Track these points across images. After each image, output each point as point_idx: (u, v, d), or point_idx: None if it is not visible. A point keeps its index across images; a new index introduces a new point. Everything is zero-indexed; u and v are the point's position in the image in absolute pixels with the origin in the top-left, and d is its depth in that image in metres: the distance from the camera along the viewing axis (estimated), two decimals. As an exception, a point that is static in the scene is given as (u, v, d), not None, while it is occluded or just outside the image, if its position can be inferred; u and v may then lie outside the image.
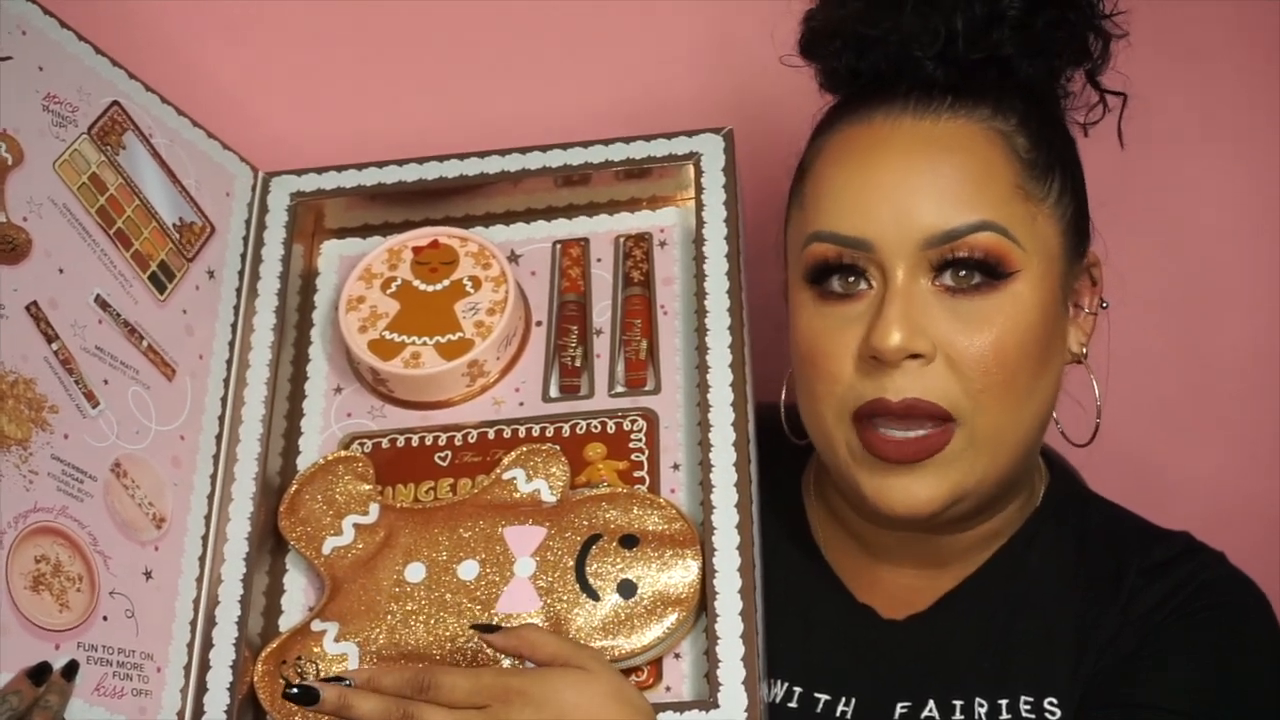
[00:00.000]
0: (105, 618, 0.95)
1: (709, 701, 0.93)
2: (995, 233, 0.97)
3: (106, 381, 1.00)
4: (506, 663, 0.97)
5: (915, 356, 0.97)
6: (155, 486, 1.02)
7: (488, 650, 0.98)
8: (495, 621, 0.98)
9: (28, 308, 0.96)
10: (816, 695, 1.05)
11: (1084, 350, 1.05)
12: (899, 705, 1.04)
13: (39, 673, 0.88)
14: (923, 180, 0.98)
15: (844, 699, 1.04)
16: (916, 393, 0.97)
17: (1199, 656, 1.00)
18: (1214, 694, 0.99)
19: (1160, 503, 1.17)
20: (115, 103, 1.08)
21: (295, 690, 0.90)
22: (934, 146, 0.99)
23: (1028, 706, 1.02)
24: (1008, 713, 1.02)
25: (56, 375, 0.97)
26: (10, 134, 0.99)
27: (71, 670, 0.91)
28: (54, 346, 0.97)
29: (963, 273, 0.97)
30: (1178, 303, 1.40)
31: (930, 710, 1.03)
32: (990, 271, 0.97)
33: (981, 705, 1.02)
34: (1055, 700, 1.01)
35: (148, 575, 0.99)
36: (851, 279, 0.99)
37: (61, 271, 0.99)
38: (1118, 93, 1.05)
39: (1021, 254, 0.98)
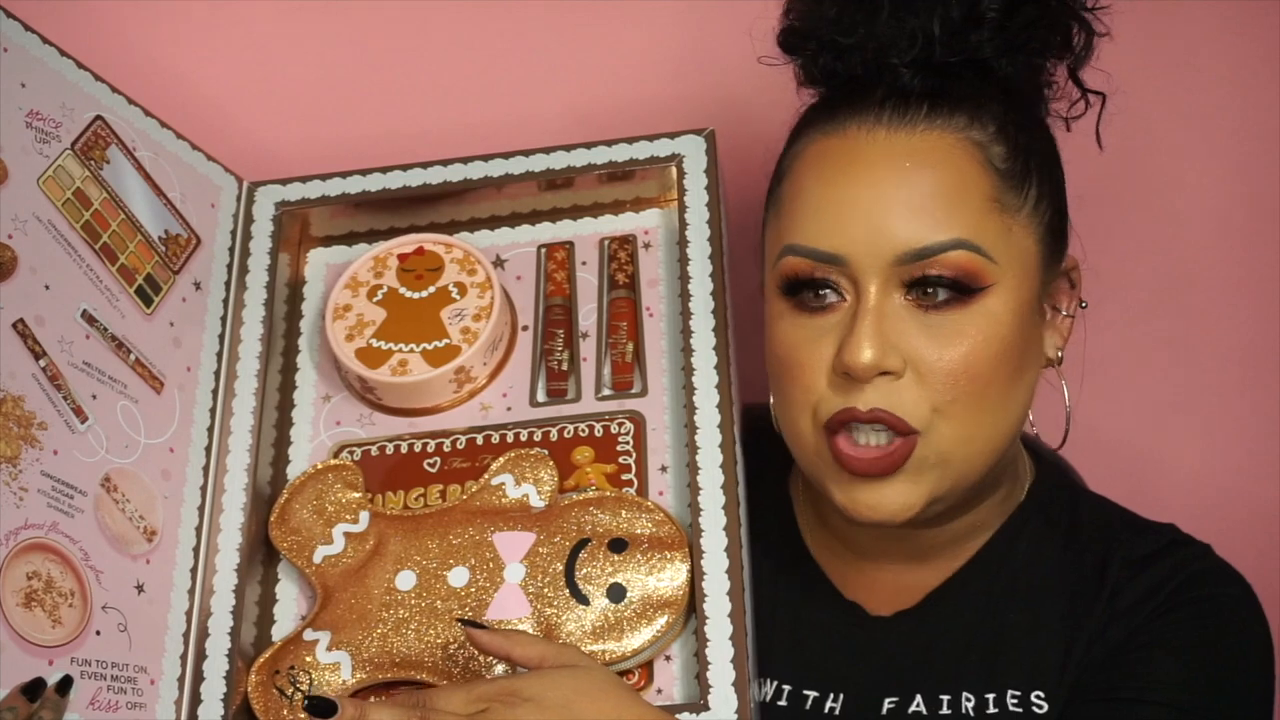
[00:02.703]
0: (98, 632, 0.95)
1: (700, 703, 0.94)
2: (968, 250, 0.96)
3: (95, 396, 1.00)
4: (500, 668, 0.98)
5: (886, 373, 0.97)
6: (146, 500, 1.02)
7: (480, 657, 0.98)
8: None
9: (14, 325, 0.96)
10: (805, 693, 1.05)
11: (1059, 354, 1.04)
12: (886, 701, 1.04)
13: (33, 688, 0.89)
14: (896, 196, 0.97)
15: (832, 695, 1.05)
16: (884, 404, 0.97)
17: (1185, 649, 1.00)
18: (1200, 686, 0.99)
19: (1159, 501, 1.17)
20: (98, 117, 1.08)
21: (312, 701, 0.88)
22: (908, 161, 0.98)
23: (1014, 701, 1.02)
24: (995, 707, 1.02)
25: (45, 392, 0.97)
26: None
27: (66, 685, 0.91)
28: (41, 363, 0.97)
29: (933, 289, 0.97)
30: (1175, 300, 1.40)
31: (918, 705, 1.03)
32: (962, 287, 0.97)
33: (969, 700, 1.03)
34: (1042, 694, 1.02)
35: (140, 589, 0.99)
36: (824, 292, 0.99)
37: (48, 288, 1.00)
38: (1098, 92, 1.05)
39: (995, 268, 0.97)
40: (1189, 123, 1.25)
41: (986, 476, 1.03)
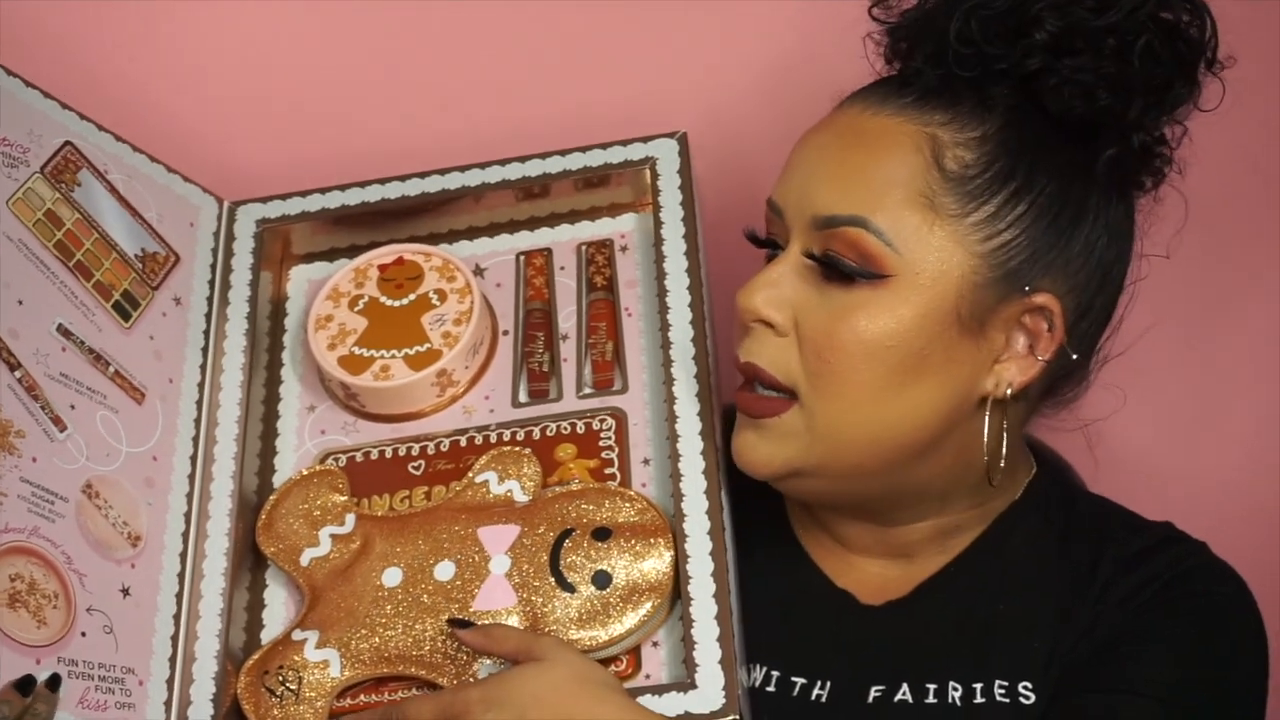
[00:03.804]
0: (84, 634, 0.96)
1: (687, 683, 0.94)
2: (868, 231, 0.97)
3: (74, 406, 1.01)
4: (488, 661, 0.98)
5: (770, 325, 1.00)
6: (129, 506, 1.03)
7: (466, 650, 0.99)
8: (471, 619, 0.99)
9: None
10: (794, 679, 1.05)
11: (1008, 392, 1.00)
12: (873, 689, 1.04)
13: (25, 684, 0.90)
14: (828, 164, 1.00)
15: (819, 682, 1.05)
16: (755, 357, 1.00)
17: (1175, 643, 1.00)
18: (1192, 683, 0.99)
19: (1157, 500, 1.17)
20: (68, 143, 1.10)
21: None
22: (852, 136, 1.00)
23: (1002, 691, 1.02)
24: (982, 697, 1.02)
25: (21, 401, 0.98)
26: None
27: (55, 683, 0.92)
28: (17, 374, 0.98)
29: (833, 262, 0.98)
30: (1175, 299, 1.40)
31: (904, 694, 1.03)
32: (861, 269, 0.97)
33: (955, 689, 1.03)
34: (1030, 685, 1.01)
35: (125, 592, 1.00)
36: (775, 252, 1.03)
37: (21, 303, 1.01)
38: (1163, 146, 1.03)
39: (897, 259, 0.97)
40: (1203, 121, 1.22)
41: (877, 472, 1.01)
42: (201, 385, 1.12)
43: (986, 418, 1.01)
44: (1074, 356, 1.02)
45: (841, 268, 0.98)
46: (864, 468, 1.01)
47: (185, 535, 1.06)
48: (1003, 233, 0.98)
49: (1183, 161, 1.04)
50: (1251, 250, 1.40)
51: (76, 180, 1.09)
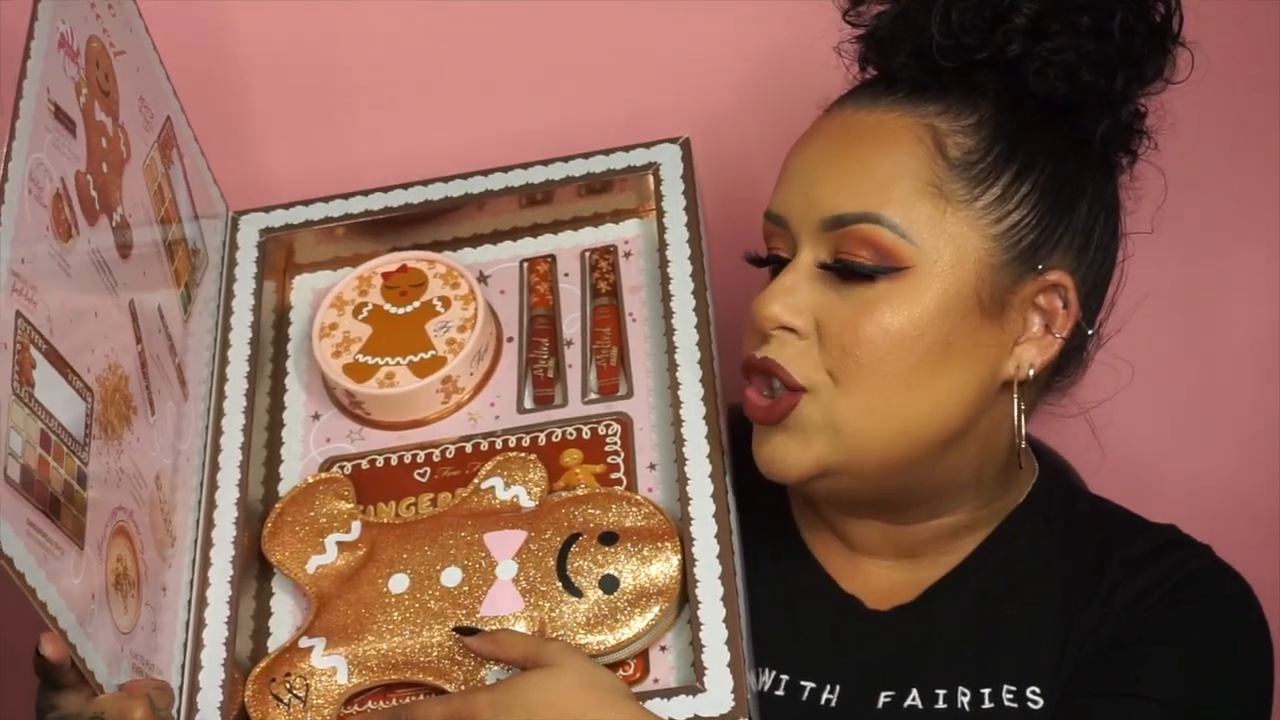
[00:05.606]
0: (142, 628, 0.94)
1: (696, 687, 0.94)
2: (881, 226, 0.98)
3: (160, 391, 0.99)
4: (495, 667, 0.98)
5: (790, 330, 1.00)
6: (172, 503, 1.01)
7: (474, 655, 0.98)
8: (479, 625, 0.99)
9: (129, 304, 0.96)
10: (803, 683, 1.05)
11: (1030, 373, 1.02)
12: (883, 695, 1.04)
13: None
14: (829, 165, 1.01)
15: (829, 687, 1.05)
16: (775, 356, 1.01)
17: (1180, 646, 1.00)
18: (1196, 685, 0.99)
19: (1159, 500, 1.17)
20: (169, 118, 1.08)
21: None
22: (851, 135, 1.02)
23: (1010, 696, 1.02)
24: (990, 702, 1.02)
25: (137, 377, 0.96)
26: (125, 128, 0.97)
27: None
28: (139, 347, 0.96)
29: (848, 266, 0.99)
30: (1179, 300, 1.41)
31: (913, 699, 1.03)
32: (875, 264, 0.98)
33: (964, 694, 1.03)
34: (1038, 690, 1.02)
35: (164, 591, 0.98)
36: (780, 265, 1.03)
37: (145, 274, 0.98)
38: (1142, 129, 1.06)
39: (913, 250, 0.98)
40: (1201, 119, 1.21)
41: (908, 466, 1.02)
42: (209, 393, 1.11)
43: (1015, 398, 1.02)
44: (1089, 331, 1.04)
45: (858, 270, 0.99)
46: (894, 461, 1.01)
47: (195, 543, 1.05)
48: (1012, 213, 1.00)
49: (1159, 135, 1.07)
50: (1253, 251, 1.40)
51: (171, 159, 1.06)
